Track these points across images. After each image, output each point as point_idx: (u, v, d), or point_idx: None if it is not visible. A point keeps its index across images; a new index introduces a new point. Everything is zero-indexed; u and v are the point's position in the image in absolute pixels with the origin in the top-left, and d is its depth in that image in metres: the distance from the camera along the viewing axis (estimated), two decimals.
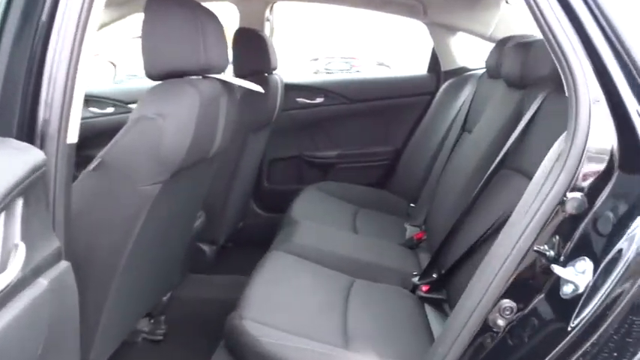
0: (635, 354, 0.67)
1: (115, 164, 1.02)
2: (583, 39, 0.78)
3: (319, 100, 2.50)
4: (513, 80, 1.55)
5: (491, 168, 1.41)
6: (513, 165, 1.35)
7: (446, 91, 2.36)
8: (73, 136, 0.86)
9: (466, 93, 2.20)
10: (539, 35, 1.72)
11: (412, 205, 2.26)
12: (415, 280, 1.56)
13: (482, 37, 2.21)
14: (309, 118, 2.52)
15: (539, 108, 1.32)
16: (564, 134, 0.88)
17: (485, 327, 0.86)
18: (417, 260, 1.76)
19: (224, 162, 1.67)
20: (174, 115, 1.04)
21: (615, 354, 0.69)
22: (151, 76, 1.10)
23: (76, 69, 0.83)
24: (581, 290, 0.75)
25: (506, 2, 2.09)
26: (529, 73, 1.46)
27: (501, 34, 2.06)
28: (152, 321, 1.68)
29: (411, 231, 1.96)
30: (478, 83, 2.13)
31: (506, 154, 1.38)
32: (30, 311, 0.67)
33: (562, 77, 0.82)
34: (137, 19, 2.23)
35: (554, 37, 0.79)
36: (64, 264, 0.78)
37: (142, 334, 1.65)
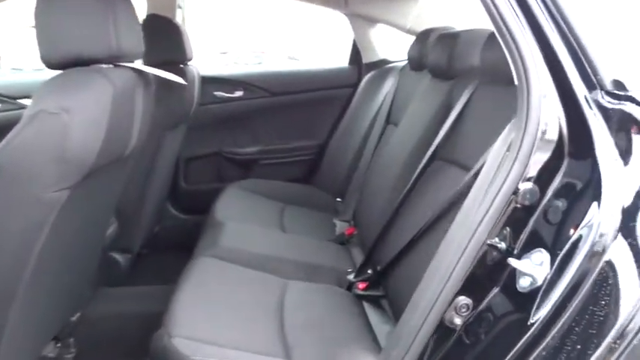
0: (599, 345, 0.66)
1: (10, 168, 0.85)
2: (534, 28, 0.76)
3: (238, 93, 2.37)
4: (440, 71, 1.55)
5: (424, 160, 1.39)
6: (446, 156, 1.35)
7: (368, 83, 2.34)
8: None
9: (388, 85, 2.19)
10: (459, 28, 1.76)
11: (339, 199, 2.22)
12: (351, 277, 1.52)
13: (402, 29, 2.22)
14: (229, 113, 2.39)
15: (469, 99, 1.32)
16: (511, 124, 0.86)
17: (442, 326, 0.82)
18: (350, 256, 1.72)
19: (138, 162, 1.51)
20: (81, 110, 0.89)
21: (579, 346, 0.68)
22: (50, 64, 0.94)
23: None
24: (539, 283, 0.73)
25: None
26: (457, 64, 1.46)
27: (420, 27, 2.08)
28: (59, 345, 1.48)
29: (340, 226, 1.92)
30: (400, 75, 2.13)
31: (438, 145, 1.37)
32: None
33: (512, 67, 0.80)
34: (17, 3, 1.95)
35: (506, 26, 0.76)
36: None
37: None
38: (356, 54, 2.42)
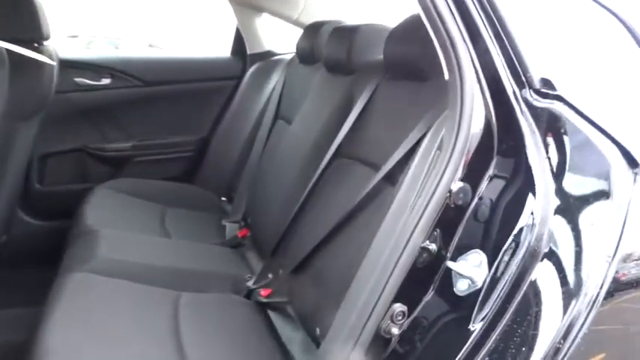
0: (543, 346, 0.66)
1: None
2: (467, 24, 0.73)
3: (105, 81, 2.08)
4: (338, 66, 1.51)
5: (326, 158, 1.34)
6: (350, 153, 1.30)
7: (253, 75, 2.22)
8: None
9: (275, 78, 2.10)
10: (347, 21, 1.74)
11: (224, 199, 2.08)
12: (250, 284, 1.41)
13: (289, 20, 2.14)
14: (94, 103, 2.09)
15: (372, 94, 1.29)
16: (437, 123, 0.83)
17: (379, 337, 0.76)
18: (245, 261, 1.60)
19: None
20: None
21: (524, 348, 0.67)
22: None
23: None
24: (478, 285, 0.71)
25: None
26: (356, 59, 1.43)
27: (308, 19, 2.03)
28: None
29: (230, 228, 1.78)
30: (288, 68, 2.05)
31: (340, 142, 1.33)
32: None
33: (444, 62, 0.77)
34: None
35: (441, 20, 0.73)
36: None
37: None
38: (239, 44, 2.28)
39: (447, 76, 0.78)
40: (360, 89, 1.34)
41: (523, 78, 0.74)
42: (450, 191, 0.75)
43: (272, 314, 1.28)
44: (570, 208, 0.70)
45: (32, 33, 1.51)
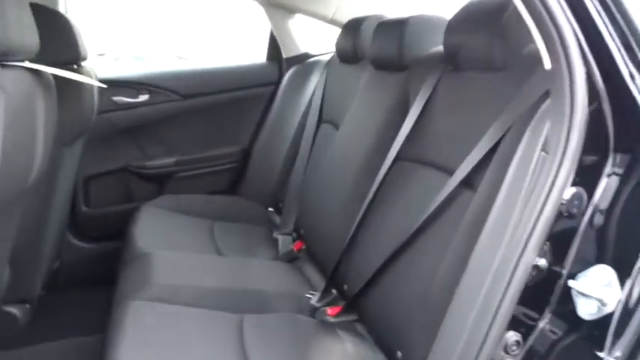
0: None
1: None
2: (574, 6, 0.63)
3: (143, 97, 2.04)
4: (388, 63, 1.41)
5: (387, 162, 1.24)
6: (413, 156, 1.21)
7: (291, 79, 2.15)
8: None
9: (314, 81, 2.02)
10: (390, 15, 1.64)
11: (271, 209, 2.01)
12: (314, 302, 1.32)
13: (324, 19, 2.05)
14: (133, 121, 2.05)
15: (434, 89, 1.19)
16: (536, 119, 0.73)
17: None
18: (303, 276, 1.52)
19: (33, 190, 1.18)
20: None
21: None
22: None
23: None
24: (610, 308, 0.61)
25: None
26: (408, 53, 1.33)
27: (344, 17, 1.94)
28: None
29: (284, 241, 1.71)
30: (327, 70, 1.96)
31: (402, 144, 1.23)
32: None
33: (544, 50, 0.66)
34: None
35: (545, 6, 0.62)
36: None
37: None
38: (275, 48, 2.20)
39: (547, 66, 0.67)
40: (417, 85, 1.24)
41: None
42: (563, 199, 0.65)
43: (342, 333, 1.19)
44: None
45: (71, 55, 1.46)
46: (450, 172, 1.02)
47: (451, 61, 1.15)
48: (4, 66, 0.72)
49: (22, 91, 0.73)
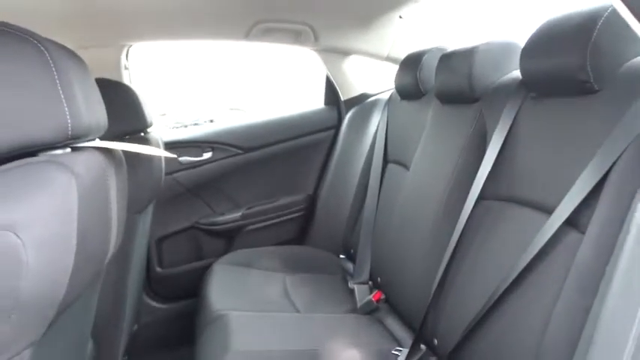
0: None
1: None
2: None
3: (207, 155, 2.07)
4: (457, 95, 1.33)
5: (470, 203, 1.14)
6: (500, 194, 1.10)
7: (351, 121, 2.11)
8: None
9: (376, 120, 1.96)
10: (448, 47, 1.57)
11: (342, 256, 1.93)
12: (401, 359, 1.22)
13: (380, 57, 2.02)
14: (199, 179, 2.07)
15: (515, 120, 1.09)
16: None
17: None
18: (386, 329, 1.42)
19: (111, 261, 1.18)
20: (37, 223, 0.58)
21: None
22: None
23: None
24: None
25: (400, 17, 1.92)
26: (480, 83, 1.25)
27: (400, 53, 1.89)
28: None
29: (360, 291, 1.62)
30: (388, 108, 1.90)
31: (485, 181, 1.13)
32: None
33: None
34: None
35: None
36: None
37: None
38: (332, 92, 2.18)
39: None
40: (494, 117, 1.15)
41: None
42: None
43: None
44: None
45: (138, 124, 1.50)
46: (548, 211, 0.91)
47: (532, 87, 1.05)
48: (74, 149, 0.72)
49: (94, 171, 0.72)
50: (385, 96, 2.00)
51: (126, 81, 1.90)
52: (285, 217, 2.13)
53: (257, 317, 1.44)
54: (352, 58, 2.09)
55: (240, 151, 2.09)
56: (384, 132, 1.86)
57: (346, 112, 2.14)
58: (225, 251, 2.01)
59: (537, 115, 1.04)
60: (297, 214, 2.14)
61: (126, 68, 1.90)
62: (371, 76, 2.16)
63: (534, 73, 1.02)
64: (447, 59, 1.36)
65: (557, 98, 0.99)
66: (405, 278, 1.37)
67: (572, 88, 0.92)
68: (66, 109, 0.66)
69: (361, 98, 2.13)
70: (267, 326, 1.39)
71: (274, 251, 1.99)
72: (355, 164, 1.98)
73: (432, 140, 1.44)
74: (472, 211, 1.14)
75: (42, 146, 0.66)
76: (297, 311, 1.54)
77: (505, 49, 1.25)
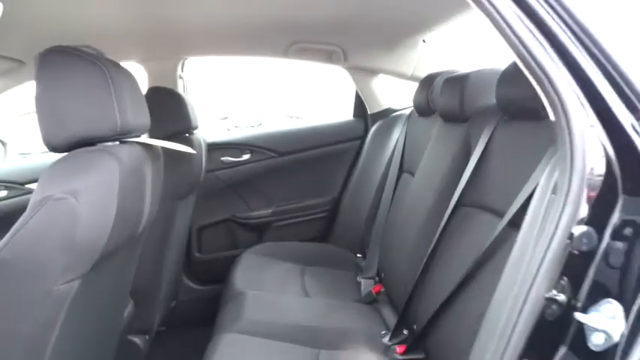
0: None
1: (16, 263, 0.79)
2: (564, 56, 0.71)
3: (246, 156, 2.34)
4: (452, 115, 1.50)
5: (449, 208, 1.32)
6: (472, 202, 1.27)
7: (375, 134, 2.31)
8: None
9: (397, 134, 2.16)
10: (460, 70, 1.74)
11: (359, 255, 2.13)
12: (385, 340, 1.41)
13: (404, 76, 2.21)
14: (238, 177, 2.35)
15: (490, 139, 1.26)
16: (552, 163, 0.80)
17: None
18: (380, 317, 1.61)
19: (151, 236, 1.45)
20: (89, 192, 0.84)
21: None
22: (54, 147, 0.90)
23: None
24: (615, 339, 0.64)
25: (423, 42, 2.11)
26: (469, 106, 1.42)
27: (422, 73, 2.07)
28: None
29: (365, 285, 1.82)
30: (408, 123, 2.09)
31: (462, 191, 1.30)
32: None
33: (545, 101, 0.74)
34: (23, 91, 1.97)
35: (533, 58, 0.72)
36: None
37: None
38: (360, 106, 2.40)
39: (552, 117, 0.75)
40: (477, 135, 1.32)
41: (637, 105, 0.69)
42: (570, 236, 0.70)
43: None
44: None
45: (184, 126, 1.78)
46: (501, 215, 1.08)
47: (504, 111, 1.23)
48: (122, 142, 0.98)
49: (134, 159, 0.97)
50: (407, 112, 2.19)
51: (180, 89, 2.21)
52: (310, 217, 2.36)
53: (270, 297, 1.67)
54: (380, 76, 2.29)
55: (274, 155, 2.35)
56: (402, 144, 2.05)
57: (372, 125, 2.34)
58: (256, 243, 2.26)
59: (506, 136, 1.21)
60: (321, 215, 2.36)
61: (180, 78, 2.20)
62: (397, 92, 2.35)
63: (505, 99, 1.19)
64: (447, 83, 1.54)
65: (522, 122, 1.16)
66: (399, 274, 1.56)
67: (529, 114, 1.09)
68: (117, 113, 0.93)
69: (386, 112, 2.33)
70: (277, 304, 1.61)
71: (298, 246, 2.22)
72: (376, 172, 2.18)
73: (431, 153, 1.63)
74: (451, 216, 1.32)
75: (99, 139, 0.93)
76: (307, 296, 1.76)
77: (494, 76, 1.42)
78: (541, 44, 0.71)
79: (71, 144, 0.90)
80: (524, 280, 0.73)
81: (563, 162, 0.73)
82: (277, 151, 2.35)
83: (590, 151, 0.71)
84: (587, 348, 0.67)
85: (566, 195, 0.71)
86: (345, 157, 2.38)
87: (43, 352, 0.84)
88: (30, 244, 0.79)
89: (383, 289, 1.73)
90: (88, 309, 0.95)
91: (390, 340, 1.40)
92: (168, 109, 1.73)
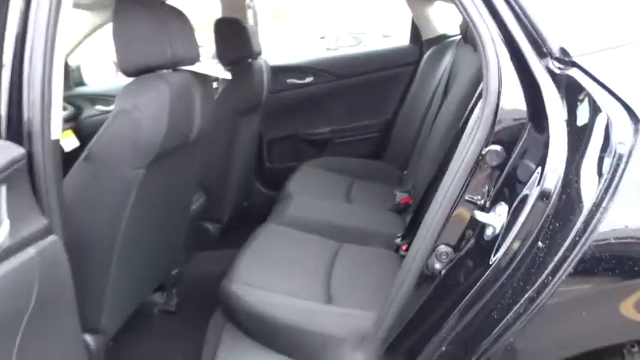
0: (536, 281, 0.77)
1: (100, 154, 1.15)
2: (487, 4, 0.87)
3: (309, 79, 2.60)
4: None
5: (459, 127, 1.49)
6: None
7: (428, 59, 2.42)
8: (56, 133, 0.98)
9: (447, 60, 2.26)
10: None
11: (405, 172, 2.35)
12: (397, 240, 1.67)
13: None
14: (301, 98, 2.62)
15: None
16: (478, 92, 0.97)
17: (425, 271, 0.97)
18: (403, 223, 1.86)
19: (214, 145, 1.80)
20: (147, 107, 1.16)
21: (522, 282, 0.79)
22: (126, 72, 1.22)
23: (51, 71, 0.94)
24: (498, 231, 0.85)
25: None
26: None
27: None
28: (165, 294, 1.85)
29: (399, 196, 2.06)
30: (457, 49, 2.18)
31: (469, 113, 1.46)
32: (18, 273, 0.80)
33: (477, 42, 0.91)
34: None
35: (462, 4, 0.88)
36: (52, 237, 0.91)
37: (156, 306, 1.82)
38: (415, 32, 2.50)
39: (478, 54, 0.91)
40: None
41: (544, 49, 0.83)
42: (482, 154, 0.90)
43: None
44: (576, 159, 0.77)
45: (247, 53, 2.05)
46: None
47: None
48: (175, 70, 1.29)
49: (182, 85, 1.28)
50: (458, 38, 2.26)
51: (249, 18, 2.47)
52: (365, 136, 2.60)
53: (314, 200, 1.99)
54: (436, 3, 2.36)
55: (334, 78, 2.57)
56: (449, 70, 2.17)
57: (426, 51, 2.45)
58: (317, 157, 2.56)
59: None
60: (376, 134, 2.59)
61: (249, 7, 2.45)
62: (452, 19, 2.41)
63: None
64: None
65: None
66: (420, 186, 1.78)
67: None
68: (168, 48, 1.23)
69: (440, 39, 2.42)
70: (318, 206, 1.92)
71: (351, 161, 2.48)
72: (426, 96, 2.33)
73: (460, 78, 1.76)
74: (457, 135, 1.49)
75: (155, 68, 1.24)
76: (349, 203, 2.05)
77: None
78: None
79: (137, 71, 1.22)
80: (447, 185, 0.95)
81: (483, 93, 0.90)
82: (337, 74, 2.57)
83: (505, 85, 0.88)
84: (483, 238, 0.89)
85: (479, 122, 0.89)
86: (399, 81, 2.54)
87: (119, 222, 1.21)
88: (109, 142, 1.15)
89: (412, 201, 1.96)
90: (153, 193, 1.31)
91: (402, 240, 1.66)
92: (232, 38, 2.01)
